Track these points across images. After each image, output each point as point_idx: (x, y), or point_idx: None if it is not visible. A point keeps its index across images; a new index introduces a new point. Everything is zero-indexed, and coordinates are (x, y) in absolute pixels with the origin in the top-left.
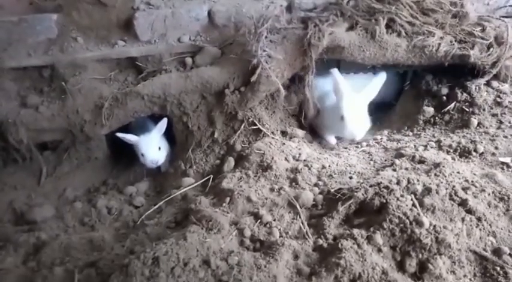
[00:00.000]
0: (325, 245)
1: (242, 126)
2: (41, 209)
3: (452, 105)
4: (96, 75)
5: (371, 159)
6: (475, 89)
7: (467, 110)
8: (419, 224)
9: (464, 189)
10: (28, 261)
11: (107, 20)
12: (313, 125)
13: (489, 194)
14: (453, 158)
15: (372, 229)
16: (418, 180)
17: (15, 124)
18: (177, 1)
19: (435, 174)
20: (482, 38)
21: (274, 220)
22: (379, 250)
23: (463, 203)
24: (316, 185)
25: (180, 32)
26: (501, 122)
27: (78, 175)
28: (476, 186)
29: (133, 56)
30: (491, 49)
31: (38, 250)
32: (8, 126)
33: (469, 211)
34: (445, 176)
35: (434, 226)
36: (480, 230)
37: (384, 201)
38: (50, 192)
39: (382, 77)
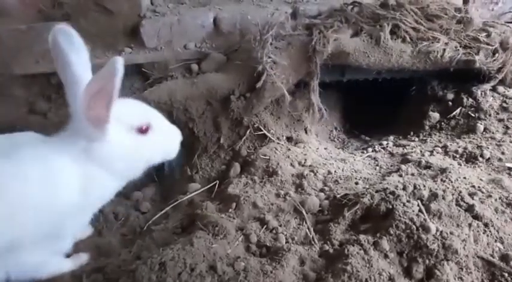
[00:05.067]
0: (331, 250)
1: (248, 132)
2: None
3: (458, 110)
4: None
5: (377, 165)
6: (481, 94)
7: (473, 115)
8: (426, 229)
9: (471, 194)
10: None
11: (113, 27)
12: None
13: (496, 200)
14: (459, 164)
15: (378, 235)
16: (424, 186)
17: (23, 130)
18: (183, 8)
19: (441, 180)
20: (488, 44)
21: (280, 226)
22: (386, 256)
23: (469, 209)
24: (322, 190)
25: (186, 39)
26: (507, 127)
27: None
28: (483, 192)
29: (140, 63)
30: (496, 54)
31: None
32: (17, 132)
33: (476, 217)
34: (452, 182)
35: (441, 232)
36: (487, 235)
37: (390, 206)
38: None
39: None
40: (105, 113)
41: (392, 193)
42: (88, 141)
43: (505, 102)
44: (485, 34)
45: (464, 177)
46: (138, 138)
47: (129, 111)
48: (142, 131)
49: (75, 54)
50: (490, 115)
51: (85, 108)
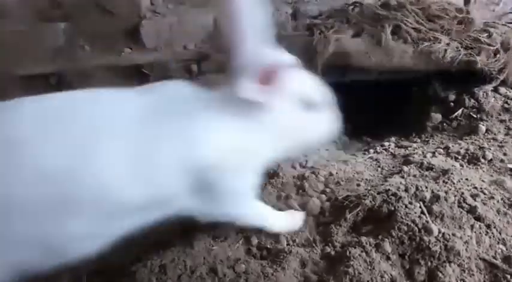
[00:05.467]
0: (332, 253)
1: None
2: None
3: (459, 111)
4: (102, 82)
5: (379, 166)
6: (483, 95)
7: (475, 116)
8: (428, 231)
9: (473, 196)
10: None
11: (113, 28)
12: None
13: (498, 201)
14: (461, 165)
15: (380, 237)
16: (426, 187)
17: None
18: (182, 9)
19: (443, 181)
20: (489, 44)
21: None
22: (388, 258)
23: (472, 210)
24: (323, 192)
25: (185, 40)
26: (509, 129)
27: None
28: (485, 193)
29: (140, 64)
30: (498, 55)
31: None
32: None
33: (478, 218)
34: (454, 183)
35: (443, 234)
36: (490, 237)
37: (392, 208)
38: None
39: None
40: (275, 80)
41: (394, 195)
42: (249, 103)
43: (506, 103)
44: (486, 35)
45: (467, 179)
46: (303, 113)
47: (301, 82)
48: (310, 107)
49: (258, 8)
50: (492, 116)
51: (256, 72)
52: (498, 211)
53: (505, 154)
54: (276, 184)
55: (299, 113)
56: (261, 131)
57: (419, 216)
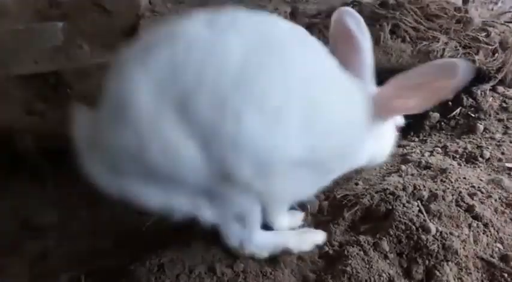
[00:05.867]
0: (331, 251)
1: None
2: (46, 216)
3: (457, 110)
4: (101, 81)
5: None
6: (481, 94)
7: (473, 115)
8: (426, 230)
9: (471, 195)
10: (34, 268)
11: (112, 27)
12: None
13: (496, 200)
14: (459, 164)
15: (378, 235)
16: (424, 186)
17: (20, 131)
18: (181, 8)
19: (441, 180)
20: (487, 43)
21: None
22: (386, 257)
23: (469, 209)
24: (321, 191)
25: None
26: (507, 127)
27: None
28: (482, 192)
29: None
30: (496, 54)
31: (44, 257)
32: (14, 133)
33: (476, 217)
34: (451, 182)
35: (441, 232)
36: (487, 236)
37: (390, 207)
38: (56, 199)
39: None
40: (408, 107)
41: (392, 193)
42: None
43: (504, 102)
44: (484, 34)
45: (464, 178)
46: (392, 133)
47: None
48: (397, 129)
49: (362, 36)
50: (489, 115)
51: (389, 94)
52: (496, 210)
53: (502, 153)
54: None
55: (393, 132)
56: (368, 140)
57: (417, 215)
